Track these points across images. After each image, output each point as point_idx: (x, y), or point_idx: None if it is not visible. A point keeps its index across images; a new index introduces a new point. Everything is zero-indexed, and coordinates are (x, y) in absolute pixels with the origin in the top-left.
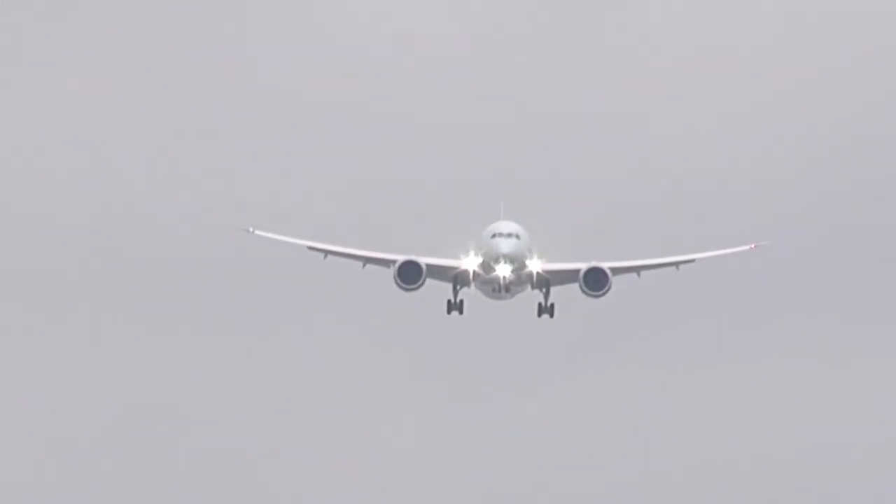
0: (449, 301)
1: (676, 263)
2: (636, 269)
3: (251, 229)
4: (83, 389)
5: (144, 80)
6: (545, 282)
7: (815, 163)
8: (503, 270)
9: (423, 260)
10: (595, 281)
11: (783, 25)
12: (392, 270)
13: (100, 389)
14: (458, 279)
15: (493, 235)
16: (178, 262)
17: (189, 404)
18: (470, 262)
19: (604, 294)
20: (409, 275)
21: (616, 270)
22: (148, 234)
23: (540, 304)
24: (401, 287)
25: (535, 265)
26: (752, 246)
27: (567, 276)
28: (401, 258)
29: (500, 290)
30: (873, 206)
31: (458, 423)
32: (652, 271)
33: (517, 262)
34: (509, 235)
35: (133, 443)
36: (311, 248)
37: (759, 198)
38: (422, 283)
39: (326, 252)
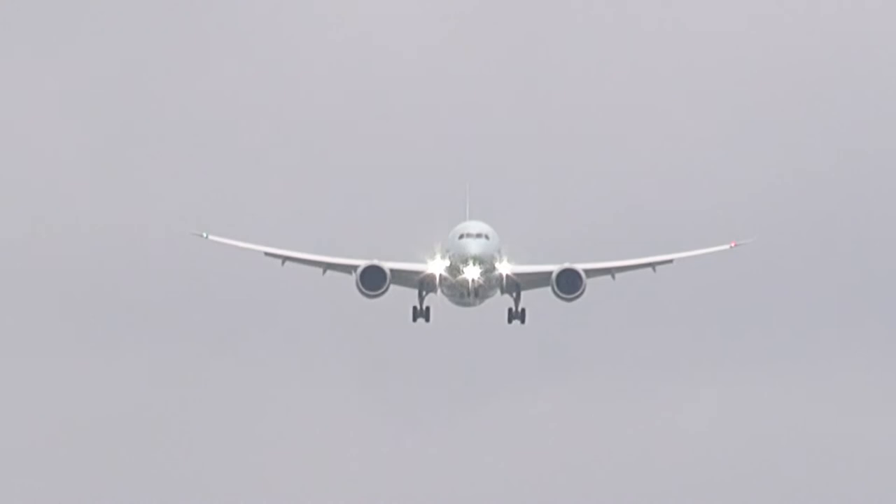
0: (414, 308)
1: (653, 264)
2: (611, 271)
3: (204, 234)
4: (24, 401)
5: (93, 82)
6: (515, 285)
7: (798, 158)
8: (472, 273)
9: (387, 265)
10: (568, 283)
11: (763, 22)
12: (354, 276)
13: (44, 400)
14: (424, 284)
15: (461, 236)
16: (127, 269)
17: (135, 418)
18: (436, 266)
19: (578, 297)
20: (373, 281)
21: (590, 272)
22: (94, 240)
23: (510, 310)
24: (364, 294)
25: (504, 268)
26: (733, 244)
27: (538, 279)
28: (363, 263)
29: (468, 294)
30: (861, 203)
31: (426, 437)
32: (628, 273)
33: (486, 264)
34: (478, 236)
35: (75, 453)
36: (267, 255)
37: (738, 195)
38: (386, 290)
39: (284, 258)
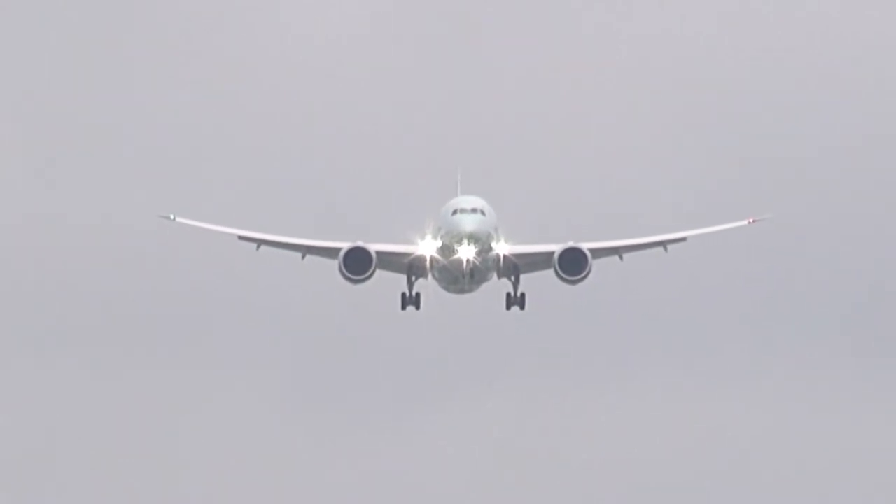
0: (403, 294)
1: (664, 243)
2: (619, 251)
3: (172, 216)
4: None
5: (50, 60)
6: (514, 267)
7: (821, 131)
8: (467, 253)
9: (373, 247)
10: (572, 264)
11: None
12: (337, 260)
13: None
14: (414, 268)
15: (454, 212)
16: (90, 254)
17: (99, 413)
18: (427, 247)
19: (582, 279)
20: (357, 264)
21: (596, 252)
22: (51, 223)
23: (508, 295)
24: (347, 279)
25: (502, 248)
26: (751, 221)
27: (539, 260)
28: (346, 245)
29: (462, 277)
30: (887, 178)
31: (416, 437)
32: (637, 253)
33: (482, 242)
34: (473, 211)
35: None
36: (241, 238)
37: (757, 168)
38: (371, 274)
39: (259, 242)
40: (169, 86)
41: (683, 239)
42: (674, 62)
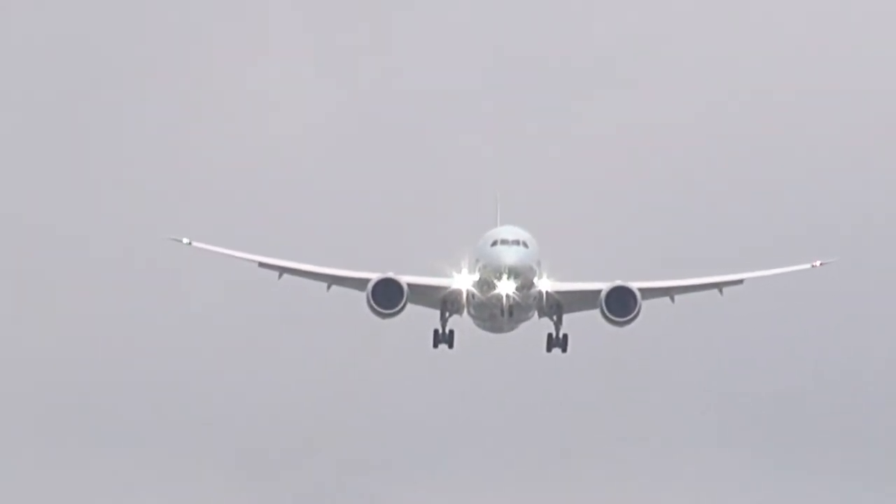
0: (436, 331)
1: (720, 285)
2: (670, 292)
3: (186, 240)
4: None
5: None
6: (557, 306)
7: (889, 173)
8: (507, 288)
9: (404, 278)
10: (620, 304)
11: (858, 30)
12: (365, 292)
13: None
14: (448, 303)
15: (494, 243)
16: (99, 277)
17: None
18: (463, 281)
19: (631, 321)
20: (387, 297)
21: (646, 292)
22: (61, 244)
23: (550, 336)
24: (376, 312)
25: (544, 284)
26: (816, 264)
27: (585, 299)
28: (376, 276)
29: (501, 314)
30: None
31: (446, 494)
32: (690, 294)
33: (524, 277)
34: (515, 243)
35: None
36: (262, 265)
37: (823, 208)
38: (402, 308)
39: (282, 270)
40: (187, 103)
41: (740, 281)
42: (734, 94)
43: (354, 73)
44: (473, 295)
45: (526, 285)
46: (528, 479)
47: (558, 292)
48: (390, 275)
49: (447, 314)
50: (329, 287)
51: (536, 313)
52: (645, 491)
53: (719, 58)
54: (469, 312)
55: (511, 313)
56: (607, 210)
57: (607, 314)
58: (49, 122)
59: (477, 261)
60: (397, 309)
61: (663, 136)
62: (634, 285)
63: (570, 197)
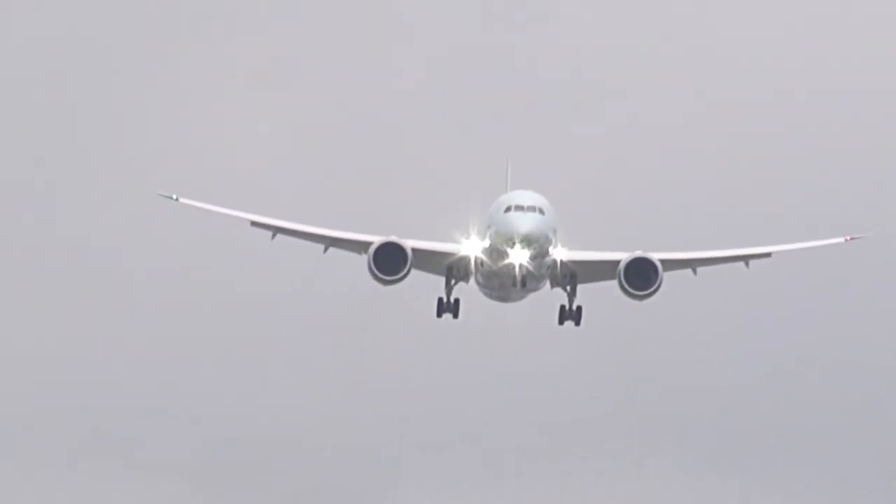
0: (440, 300)
1: (746, 258)
2: (693, 264)
3: (174, 196)
4: None
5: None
6: (571, 276)
7: None
8: (519, 257)
9: (409, 243)
10: (640, 276)
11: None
12: (366, 256)
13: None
14: (455, 270)
15: (508, 209)
16: (82, 236)
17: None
18: (472, 247)
19: (651, 294)
20: (390, 262)
21: (668, 264)
22: (42, 198)
23: (562, 307)
24: (377, 278)
25: (559, 253)
26: (848, 239)
27: (602, 270)
28: (378, 239)
29: (513, 285)
30: None
31: (447, 470)
32: (714, 267)
33: (539, 246)
34: (530, 209)
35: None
36: (255, 224)
37: (857, 180)
38: (406, 274)
39: (275, 230)
40: (183, 58)
41: (768, 255)
42: (769, 59)
43: (362, 32)
44: (483, 263)
45: (540, 255)
46: (532, 458)
47: (574, 261)
48: (394, 238)
49: (453, 282)
50: (326, 249)
51: (549, 283)
52: (658, 477)
53: (755, 21)
54: (477, 281)
55: (524, 284)
56: (627, 174)
57: (626, 287)
58: (35, 78)
59: (488, 227)
60: (400, 275)
61: (691, 98)
62: (656, 256)
63: (588, 160)
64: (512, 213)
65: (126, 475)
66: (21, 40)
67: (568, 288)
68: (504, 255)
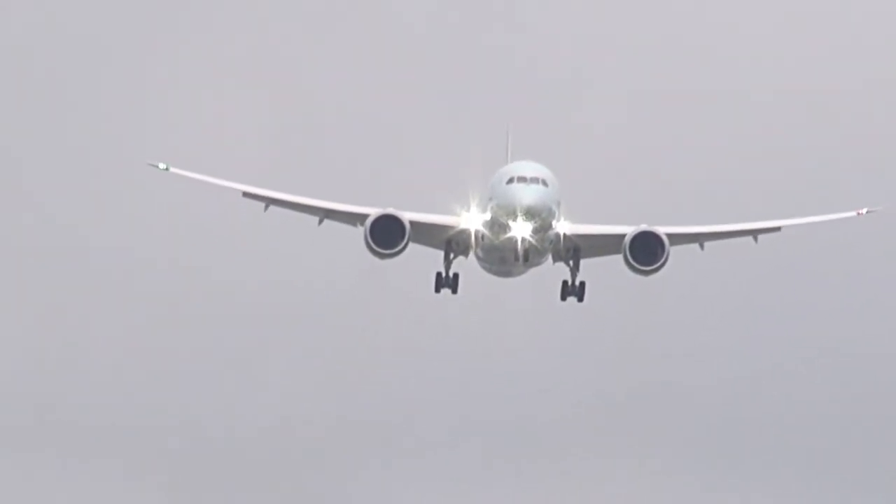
0: (438, 274)
1: (755, 232)
2: (700, 238)
3: (163, 166)
4: None
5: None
6: (575, 250)
7: None
8: (522, 230)
9: (406, 215)
10: (646, 250)
11: None
12: (363, 229)
13: None
14: (454, 243)
15: (510, 180)
16: (68, 206)
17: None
18: (472, 220)
19: (657, 269)
20: (387, 235)
21: (674, 238)
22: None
23: (565, 283)
24: (374, 252)
25: (562, 226)
26: (862, 212)
27: (606, 244)
28: (375, 211)
29: (515, 259)
30: None
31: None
32: (721, 242)
33: (542, 219)
34: (534, 180)
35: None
36: (247, 195)
37: (870, 152)
38: (403, 248)
39: (269, 201)
40: (180, 28)
41: (778, 229)
42: (779, 31)
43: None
44: (483, 236)
45: (543, 228)
46: (531, 437)
47: (578, 235)
48: (391, 210)
49: (452, 256)
50: (321, 221)
51: (551, 257)
52: (662, 458)
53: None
54: (477, 255)
55: (525, 258)
56: (632, 145)
57: (631, 261)
58: (23, 48)
59: (490, 199)
60: (398, 249)
61: (699, 67)
62: (662, 230)
63: (592, 131)
64: (514, 185)
65: (114, 452)
66: (6, 12)
67: (571, 263)
68: (505, 228)
